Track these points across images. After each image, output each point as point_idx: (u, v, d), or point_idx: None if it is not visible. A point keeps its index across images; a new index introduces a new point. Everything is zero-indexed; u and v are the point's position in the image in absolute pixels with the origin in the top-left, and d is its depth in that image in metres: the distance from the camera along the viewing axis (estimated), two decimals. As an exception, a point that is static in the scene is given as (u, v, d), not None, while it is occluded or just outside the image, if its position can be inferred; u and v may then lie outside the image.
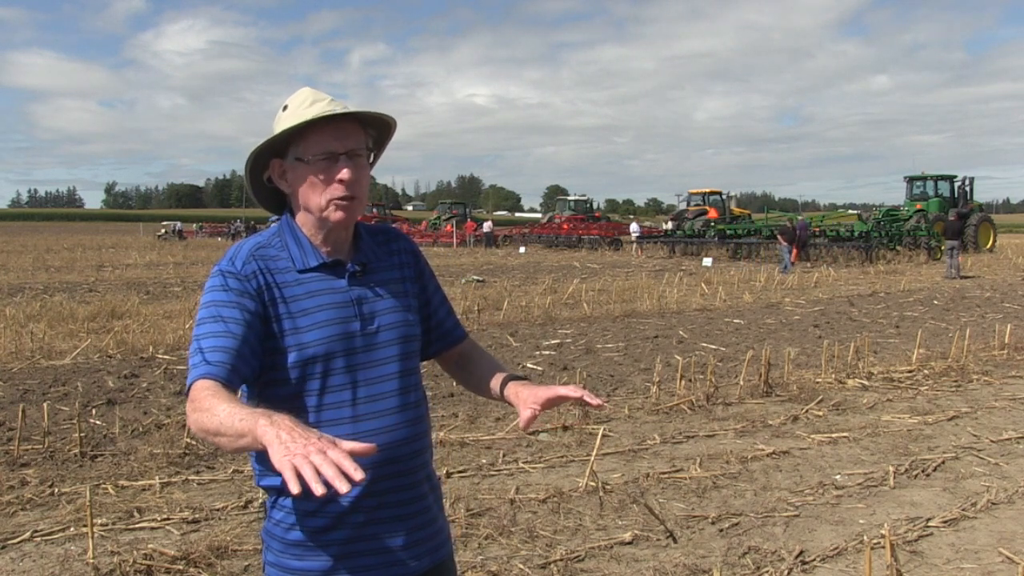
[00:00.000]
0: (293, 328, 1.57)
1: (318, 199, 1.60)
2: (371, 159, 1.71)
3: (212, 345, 1.49)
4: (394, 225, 1.78)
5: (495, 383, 1.80)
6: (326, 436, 1.23)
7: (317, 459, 1.17)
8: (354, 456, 1.21)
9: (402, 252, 1.77)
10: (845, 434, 5.94)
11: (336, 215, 1.60)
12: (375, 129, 1.70)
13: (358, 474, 1.16)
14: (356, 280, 1.65)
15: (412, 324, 1.72)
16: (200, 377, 1.46)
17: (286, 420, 1.26)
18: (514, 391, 1.74)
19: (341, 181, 1.58)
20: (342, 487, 1.14)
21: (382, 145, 1.75)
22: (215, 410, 1.36)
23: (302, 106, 1.60)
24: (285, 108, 1.63)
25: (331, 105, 1.60)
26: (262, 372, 1.58)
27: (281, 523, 1.61)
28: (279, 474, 1.55)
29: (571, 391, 1.64)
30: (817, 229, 28.72)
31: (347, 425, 1.58)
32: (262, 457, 1.59)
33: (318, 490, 1.14)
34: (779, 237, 23.32)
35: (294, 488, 1.15)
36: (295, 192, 1.64)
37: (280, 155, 1.64)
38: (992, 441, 5.82)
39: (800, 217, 31.07)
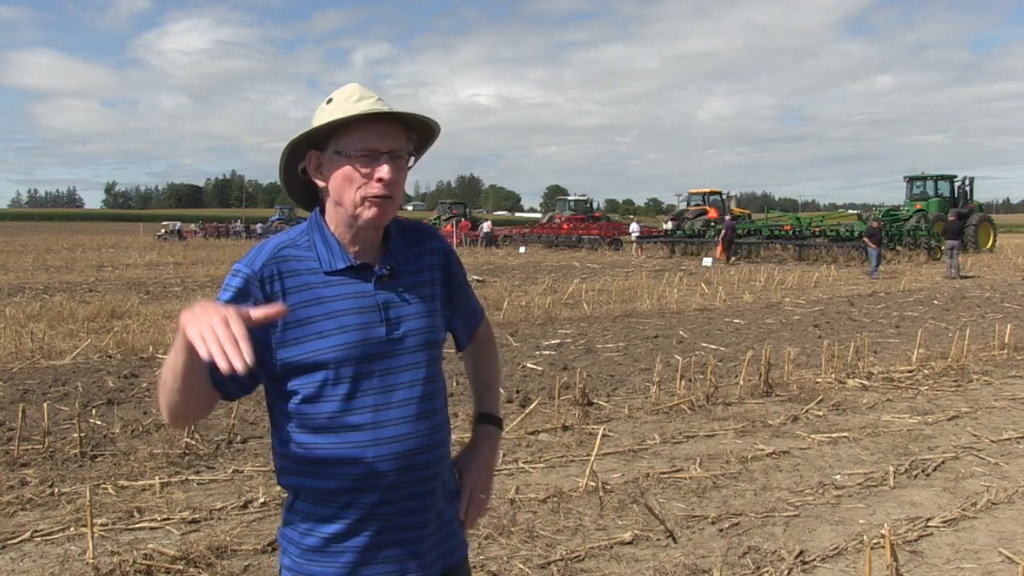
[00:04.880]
0: (316, 332, 1.55)
1: (353, 194, 1.58)
2: (410, 163, 1.70)
3: None
4: None
5: (473, 401, 1.95)
6: (235, 309, 1.32)
7: (219, 329, 1.27)
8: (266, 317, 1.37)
9: (434, 253, 1.75)
10: (845, 434, 5.94)
11: (370, 212, 1.58)
12: (417, 133, 1.67)
13: (237, 363, 1.24)
14: (383, 284, 1.63)
15: (437, 329, 1.70)
16: None
17: (205, 301, 1.35)
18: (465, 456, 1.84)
19: (380, 179, 1.57)
20: (221, 363, 1.24)
21: (421, 151, 1.73)
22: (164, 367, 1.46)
23: (348, 101, 1.58)
24: (329, 101, 1.61)
25: (378, 104, 1.58)
26: (285, 374, 1.57)
27: (298, 528, 1.61)
28: (297, 473, 1.60)
29: (470, 498, 1.78)
30: (817, 229, 28.77)
31: (368, 431, 1.57)
32: (283, 454, 1.62)
33: (203, 353, 1.26)
34: (866, 239, 22.18)
35: (202, 351, 1.26)
36: (329, 186, 1.61)
37: (318, 147, 1.62)
38: (992, 441, 5.82)
39: (728, 217, 31.35)
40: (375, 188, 1.57)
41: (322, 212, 1.67)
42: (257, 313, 1.33)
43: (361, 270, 1.62)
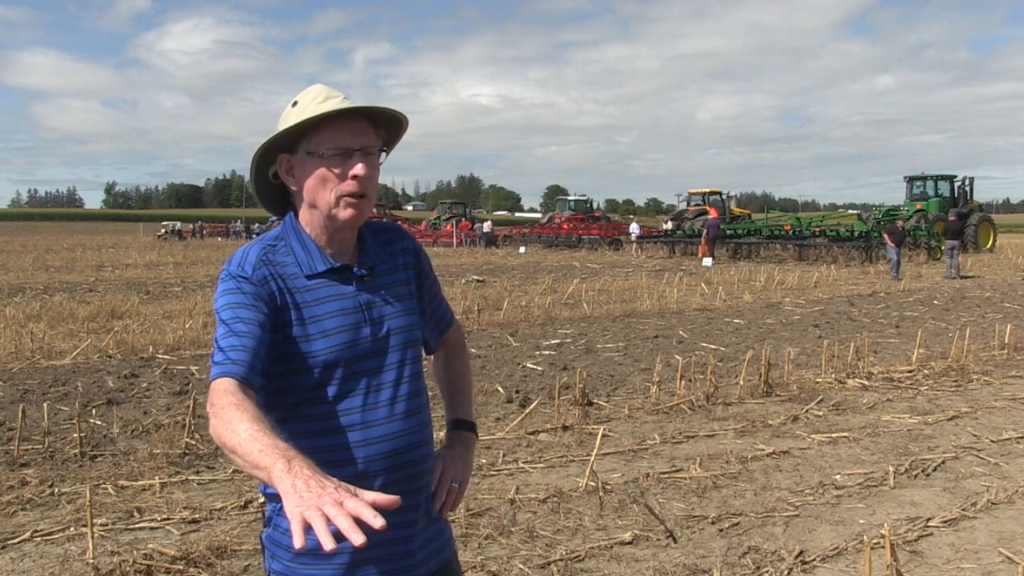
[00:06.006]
0: (303, 335, 1.55)
1: (327, 195, 1.57)
2: (381, 159, 1.68)
3: (232, 344, 1.45)
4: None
5: (445, 407, 1.94)
6: (345, 486, 1.15)
7: (331, 511, 1.09)
8: (376, 507, 1.13)
9: (406, 252, 1.75)
10: (845, 434, 5.94)
11: (345, 213, 1.57)
12: (385, 129, 1.67)
13: (377, 521, 1.08)
14: (364, 285, 1.63)
15: (416, 328, 1.71)
16: (221, 375, 1.42)
17: (304, 467, 1.18)
18: (443, 454, 1.82)
19: (355, 177, 1.55)
20: (356, 539, 1.06)
21: (390, 146, 1.72)
22: (236, 427, 1.29)
23: (315, 101, 1.57)
24: (295, 104, 1.60)
25: (345, 102, 1.57)
26: (272, 378, 1.55)
27: (288, 532, 1.53)
28: None
29: (440, 483, 1.74)
30: (817, 229, 28.80)
31: (358, 431, 1.57)
32: None
33: (328, 544, 1.06)
34: (887, 238, 21.16)
35: (297, 542, 1.07)
36: (302, 188, 1.60)
37: (289, 150, 1.60)
38: (992, 441, 5.82)
39: (710, 216, 31.64)
40: (350, 186, 1.56)
41: (295, 215, 1.65)
42: (370, 496, 1.15)
43: (341, 272, 1.62)
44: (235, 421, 1.30)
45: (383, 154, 1.68)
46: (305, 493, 1.12)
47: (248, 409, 1.33)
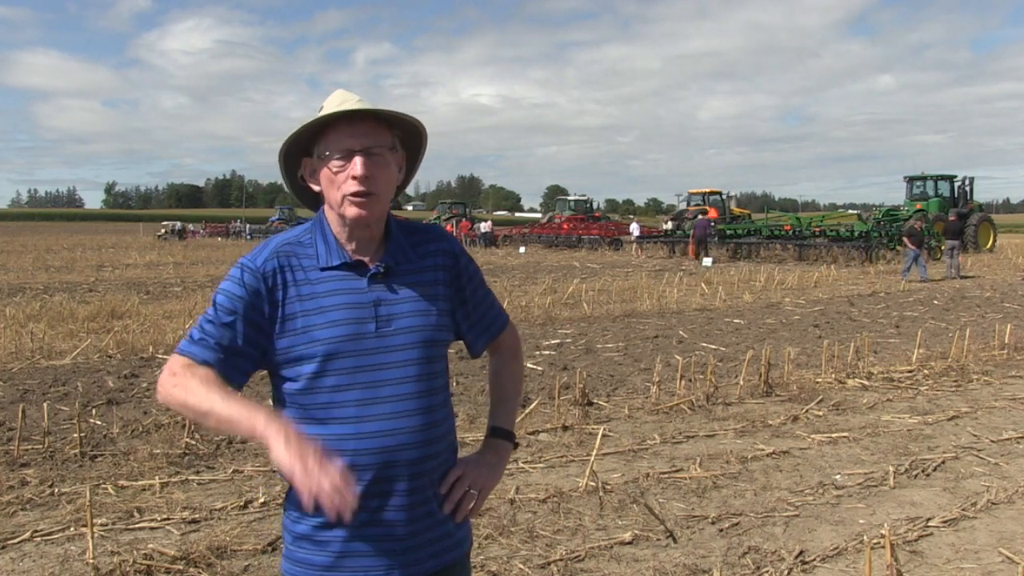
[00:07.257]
0: (307, 325, 1.60)
1: (335, 195, 1.62)
2: (406, 161, 1.73)
3: (209, 331, 1.60)
4: None
5: (488, 413, 1.95)
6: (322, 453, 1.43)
7: (328, 487, 1.40)
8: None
9: (439, 253, 1.75)
10: (845, 434, 5.94)
11: (351, 211, 1.62)
12: (400, 129, 1.70)
13: (348, 515, 1.45)
14: (377, 281, 1.65)
15: (437, 328, 1.70)
16: (186, 353, 1.59)
17: (282, 419, 1.38)
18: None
19: (354, 177, 1.59)
20: (332, 516, 1.42)
21: (416, 149, 1.75)
22: (209, 395, 1.51)
23: (331, 105, 1.64)
24: (321, 109, 1.66)
25: (358, 104, 1.62)
26: (278, 365, 1.62)
27: (291, 515, 1.67)
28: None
29: (455, 486, 1.72)
30: (817, 229, 28.79)
31: (351, 424, 1.59)
32: None
33: (329, 515, 1.42)
34: (906, 240, 20.37)
35: (307, 502, 1.42)
36: (322, 189, 1.67)
37: (309, 154, 1.68)
38: (992, 441, 5.82)
39: (700, 216, 31.80)
40: (352, 186, 1.60)
41: (324, 212, 1.72)
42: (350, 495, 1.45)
43: (356, 267, 1.65)
44: (204, 389, 1.52)
45: (399, 154, 1.70)
46: (299, 450, 1.43)
47: (215, 382, 1.55)
